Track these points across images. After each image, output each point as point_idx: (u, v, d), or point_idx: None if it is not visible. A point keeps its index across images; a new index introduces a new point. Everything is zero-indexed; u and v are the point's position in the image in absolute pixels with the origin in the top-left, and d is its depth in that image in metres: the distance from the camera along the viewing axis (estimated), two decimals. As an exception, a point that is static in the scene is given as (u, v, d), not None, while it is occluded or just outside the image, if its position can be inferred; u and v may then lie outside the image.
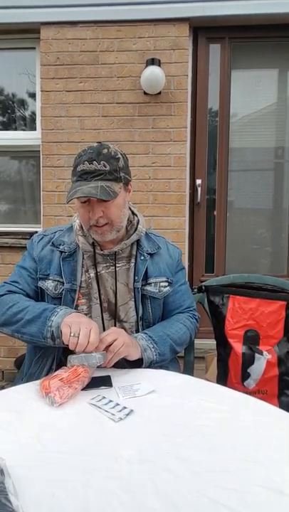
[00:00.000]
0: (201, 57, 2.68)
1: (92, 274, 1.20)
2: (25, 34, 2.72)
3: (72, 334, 0.98)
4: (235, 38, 2.66)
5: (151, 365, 1.12)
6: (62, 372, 0.95)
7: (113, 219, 1.12)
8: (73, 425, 0.82)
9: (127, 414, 0.84)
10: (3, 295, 1.19)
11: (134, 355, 1.07)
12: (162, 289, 1.24)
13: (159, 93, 2.55)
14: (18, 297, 1.18)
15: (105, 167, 1.07)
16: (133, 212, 1.27)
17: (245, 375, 1.36)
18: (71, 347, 0.99)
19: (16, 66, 2.87)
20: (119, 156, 1.12)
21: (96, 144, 1.13)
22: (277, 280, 1.53)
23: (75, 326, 1.00)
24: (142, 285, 1.21)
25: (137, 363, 1.11)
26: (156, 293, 1.23)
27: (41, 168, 2.72)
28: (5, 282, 1.25)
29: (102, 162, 1.07)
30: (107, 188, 1.06)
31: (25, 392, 0.94)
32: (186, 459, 0.70)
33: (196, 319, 1.33)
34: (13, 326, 1.13)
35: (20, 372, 1.32)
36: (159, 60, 2.51)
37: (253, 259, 2.89)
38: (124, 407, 0.87)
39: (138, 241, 1.24)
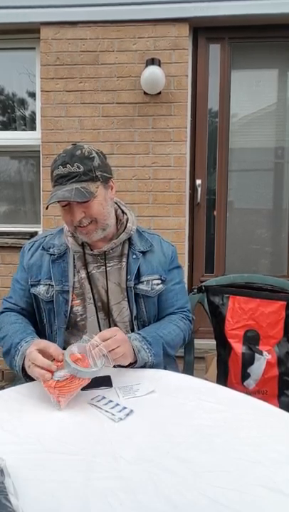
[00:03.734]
0: (201, 58, 2.68)
1: (84, 275, 1.19)
2: (25, 34, 2.72)
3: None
4: (235, 38, 2.66)
5: (146, 366, 1.09)
6: (65, 374, 0.91)
7: (96, 217, 1.11)
8: (73, 425, 0.82)
9: (127, 414, 0.84)
10: (1, 313, 1.24)
11: (122, 364, 1.05)
12: (155, 286, 1.22)
13: (159, 93, 2.55)
14: (7, 319, 1.20)
15: (79, 168, 1.07)
16: (123, 211, 1.25)
17: (245, 375, 1.36)
18: (42, 379, 0.93)
19: (16, 66, 2.87)
20: (94, 155, 1.11)
21: (70, 146, 1.13)
22: (277, 280, 1.53)
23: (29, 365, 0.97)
24: (135, 284, 1.19)
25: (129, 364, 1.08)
26: (149, 291, 1.21)
27: (41, 168, 2.72)
28: (3, 299, 1.28)
29: (75, 164, 1.07)
30: (82, 190, 1.06)
31: (25, 392, 0.94)
32: (186, 459, 0.70)
33: (189, 320, 1.29)
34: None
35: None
36: (159, 60, 2.51)
37: (253, 259, 2.89)
38: (124, 407, 0.87)
39: (130, 239, 1.22)
